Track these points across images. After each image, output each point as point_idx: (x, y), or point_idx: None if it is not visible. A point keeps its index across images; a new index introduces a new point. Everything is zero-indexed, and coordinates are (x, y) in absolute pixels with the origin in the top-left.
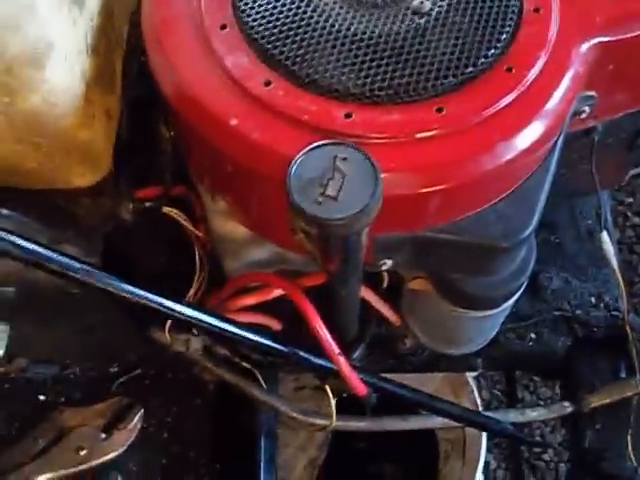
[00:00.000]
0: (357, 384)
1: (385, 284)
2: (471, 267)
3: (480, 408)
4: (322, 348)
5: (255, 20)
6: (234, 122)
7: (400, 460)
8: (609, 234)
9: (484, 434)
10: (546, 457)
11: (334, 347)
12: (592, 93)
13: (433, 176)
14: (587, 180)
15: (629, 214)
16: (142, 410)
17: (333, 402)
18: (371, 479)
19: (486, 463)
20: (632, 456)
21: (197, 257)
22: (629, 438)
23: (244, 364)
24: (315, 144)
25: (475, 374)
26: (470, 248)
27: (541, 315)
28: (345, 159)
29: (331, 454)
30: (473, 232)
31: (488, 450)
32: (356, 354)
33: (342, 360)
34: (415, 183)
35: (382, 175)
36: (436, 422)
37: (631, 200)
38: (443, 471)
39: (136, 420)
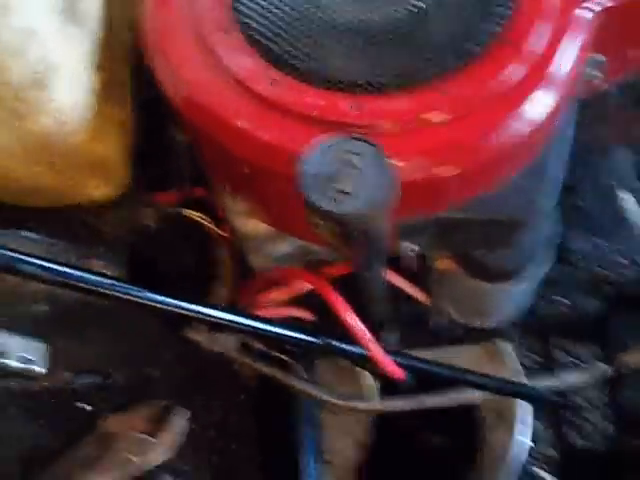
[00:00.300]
0: (392, 368)
1: (411, 267)
2: (493, 242)
3: (518, 375)
4: (354, 337)
5: (255, 20)
6: (243, 124)
7: (445, 432)
8: (631, 191)
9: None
10: (590, 417)
11: (366, 335)
12: (601, 58)
13: (447, 158)
14: (603, 140)
15: None
16: (187, 411)
17: (373, 385)
18: (417, 455)
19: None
20: None
21: (223, 257)
22: None
23: (281, 356)
24: (324, 140)
25: (510, 345)
26: (490, 224)
27: (570, 279)
28: (356, 152)
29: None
30: (493, 208)
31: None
32: (390, 337)
33: (375, 347)
34: (430, 167)
35: (396, 162)
36: (474, 395)
37: None
38: (488, 440)
39: (182, 422)
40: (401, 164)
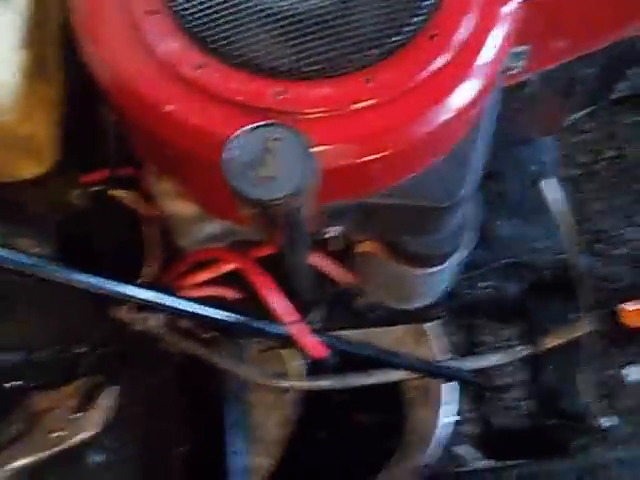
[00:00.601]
0: (313, 348)
1: (336, 249)
2: (415, 228)
3: (443, 355)
4: (276, 316)
5: (183, 4)
6: (169, 107)
7: (373, 410)
8: (553, 179)
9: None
10: (510, 396)
11: (288, 314)
12: (523, 48)
13: (369, 145)
14: (527, 129)
15: (575, 153)
16: (114, 388)
17: (299, 364)
18: (341, 431)
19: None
20: (581, 391)
21: (149, 236)
22: (579, 377)
23: (205, 335)
24: (248, 126)
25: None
26: (413, 210)
27: (491, 263)
28: (279, 138)
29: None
30: (414, 195)
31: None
32: (315, 317)
33: (297, 326)
34: (353, 153)
35: (320, 148)
36: (398, 375)
37: (576, 139)
38: (410, 415)
39: (109, 398)
40: (325, 150)
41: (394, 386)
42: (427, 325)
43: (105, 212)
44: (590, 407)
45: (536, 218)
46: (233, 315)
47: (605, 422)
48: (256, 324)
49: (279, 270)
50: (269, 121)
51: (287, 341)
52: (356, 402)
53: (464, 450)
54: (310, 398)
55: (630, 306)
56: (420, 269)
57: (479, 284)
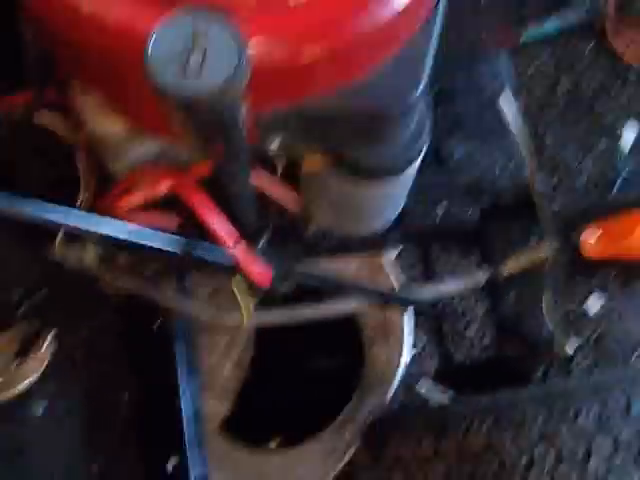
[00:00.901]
0: (257, 274)
1: (280, 169)
2: (362, 137)
3: (399, 285)
4: (218, 240)
5: None
6: (88, 7)
7: (328, 351)
8: (510, 98)
9: (405, 316)
10: (469, 333)
11: (228, 237)
12: None
13: (307, 40)
14: (482, 41)
15: (531, 85)
16: (53, 333)
17: (248, 300)
18: (299, 375)
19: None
20: (547, 319)
21: (81, 163)
22: (543, 299)
23: (146, 271)
24: (172, 18)
25: (392, 257)
26: (361, 118)
27: (446, 187)
28: (206, 31)
29: (258, 352)
30: (360, 100)
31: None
32: (260, 244)
33: (241, 251)
34: (290, 49)
35: (253, 43)
36: (352, 306)
37: (531, 71)
38: (370, 353)
39: (48, 344)
40: (258, 47)
41: (352, 326)
42: (383, 257)
43: (32, 139)
44: (553, 335)
45: (494, 139)
46: (173, 240)
47: (569, 349)
48: (198, 250)
49: (221, 194)
50: (195, 9)
51: (230, 268)
52: (314, 345)
53: (426, 386)
54: (266, 340)
55: (590, 238)
56: (369, 186)
57: (435, 209)
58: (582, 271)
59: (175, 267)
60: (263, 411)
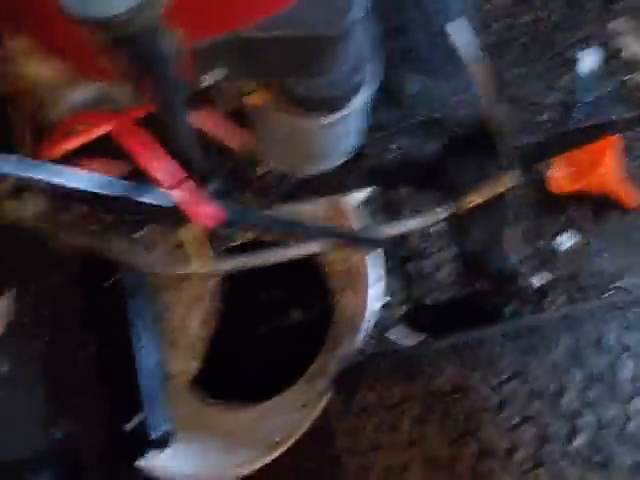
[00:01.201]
0: (205, 215)
1: (224, 108)
2: (299, 67)
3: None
4: (161, 182)
5: None
6: None
7: (296, 303)
8: (461, 20)
9: (371, 262)
10: (438, 276)
11: (171, 177)
12: None
13: None
14: None
15: (489, 21)
16: (8, 294)
17: (198, 248)
18: (269, 329)
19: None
20: (511, 250)
21: (17, 115)
22: (506, 233)
23: (93, 226)
24: None
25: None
26: (294, 43)
27: (401, 122)
28: None
29: (229, 307)
30: (295, 25)
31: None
32: (211, 187)
33: (182, 190)
34: None
35: None
36: (313, 247)
37: (490, 6)
38: (339, 302)
39: (6, 304)
40: None
41: (317, 274)
42: (341, 200)
43: None
44: (519, 267)
45: (448, 71)
46: (115, 184)
47: (537, 281)
48: (141, 193)
49: (164, 138)
50: None
51: (176, 212)
52: (283, 299)
53: (396, 332)
54: (235, 295)
55: (557, 173)
56: (311, 120)
57: (390, 146)
58: (551, 208)
59: (117, 209)
60: (235, 367)
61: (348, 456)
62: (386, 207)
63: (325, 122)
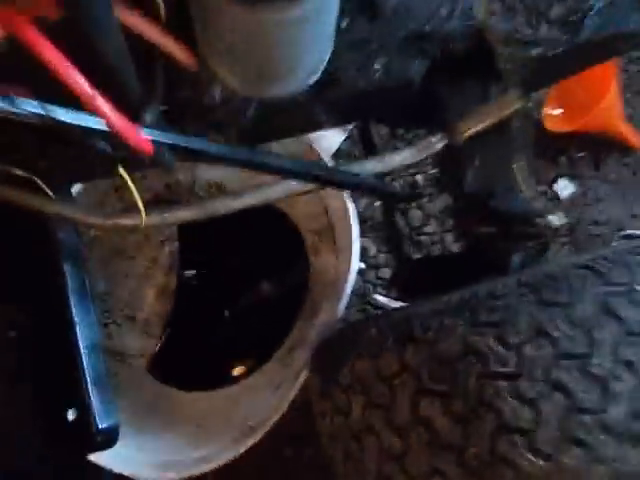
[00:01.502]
0: (137, 139)
1: (163, 13)
2: None
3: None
4: (81, 99)
5: None
6: None
7: (272, 270)
8: None
9: (353, 220)
10: (429, 229)
11: (86, 87)
12: None
13: None
14: None
15: None
16: None
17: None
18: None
19: (364, 249)
20: (522, 186)
21: None
22: (515, 167)
23: (19, 173)
24: None
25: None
26: None
27: (384, 38)
28: None
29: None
30: None
31: (363, 234)
32: (148, 117)
33: (110, 113)
34: None
35: None
36: (277, 192)
37: None
38: (315, 265)
39: None
40: None
41: (291, 236)
42: (311, 136)
43: None
44: (535, 204)
45: None
46: (32, 106)
47: (554, 220)
48: (60, 116)
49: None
50: None
51: (104, 137)
52: (253, 267)
53: (383, 295)
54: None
55: (553, 110)
56: (270, 10)
57: (372, 66)
58: (549, 152)
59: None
60: (200, 347)
61: (332, 441)
62: (366, 140)
63: (282, 16)
